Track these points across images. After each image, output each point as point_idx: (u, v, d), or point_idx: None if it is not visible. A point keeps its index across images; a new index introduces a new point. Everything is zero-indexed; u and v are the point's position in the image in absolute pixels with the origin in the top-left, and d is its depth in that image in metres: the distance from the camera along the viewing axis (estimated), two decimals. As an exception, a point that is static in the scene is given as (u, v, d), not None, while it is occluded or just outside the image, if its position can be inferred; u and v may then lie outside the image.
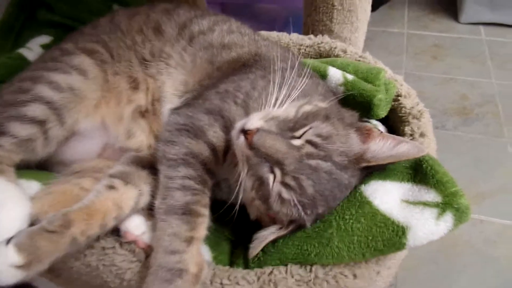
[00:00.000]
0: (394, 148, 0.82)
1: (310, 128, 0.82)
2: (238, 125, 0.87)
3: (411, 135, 1.05)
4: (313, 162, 0.78)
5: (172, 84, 1.11)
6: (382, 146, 0.84)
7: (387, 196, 0.85)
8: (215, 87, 1.00)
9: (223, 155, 0.93)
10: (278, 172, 0.80)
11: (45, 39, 1.40)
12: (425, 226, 0.78)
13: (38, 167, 1.11)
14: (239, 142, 0.81)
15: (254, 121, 0.81)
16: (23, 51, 1.38)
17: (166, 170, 0.87)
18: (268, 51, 1.14)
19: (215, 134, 0.92)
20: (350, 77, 1.13)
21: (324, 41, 1.37)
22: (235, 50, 1.14)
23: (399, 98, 1.15)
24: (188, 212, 0.81)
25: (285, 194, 0.79)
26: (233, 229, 1.08)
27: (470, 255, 1.75)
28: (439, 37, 3.32)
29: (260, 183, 0.82)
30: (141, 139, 1.10)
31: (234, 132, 0.87)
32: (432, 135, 1.10)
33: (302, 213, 0.81)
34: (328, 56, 1.36)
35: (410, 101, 1.13)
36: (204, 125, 0.92)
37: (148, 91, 1.12)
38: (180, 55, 1.14)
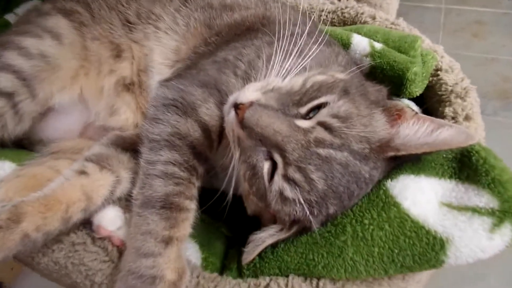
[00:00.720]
0: (433, 134, 0.64)
1: (323, 104, 0.66)
2: (231, 98, 0.70)
3: (453, 118, 0.85)
4: (323, 151, 0.64)
5: (161, 51, 0.94)
6: (417, 130, 0.66)
7: (422, 197, 0.65)
8: (213, 55, 0.87)
9: (218, 136, 0.80)
10: (279, 161, 0.65)
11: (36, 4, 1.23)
12: (473, 240, 0.58)
13: (19, 146, 0.98)
14: (229, 118, 0.68)
15: (248, 93, 0.66)
16: (9, 17, 1.24)
17: (147, 153, 0.75)
18: (279, 14, 0.94)
19: (208, 111, 0.78)
20: (378, 46, 0.97)
21: (349, 5, 1.20)
22: (238, 12, 0.96)
23: (439, 72, 0.96)
24: (168, 206, 0.68)
25: (288, 192, 0.65)
26: (231, 223, 0.93)
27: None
28: (481, 13, 3.00)
29: (253, 174, 0.68)
30: (126, 116, 0.95)
31: (226, 107, 0.70)
32: (479, 119, 0.87)
33: (308, 213, 0.65)
34: (353, 23, 1.21)
35: (453, 76, 0.91)
36: (196, 100, 0.79)
37: (133, 60, 0.95)
38: (172, 17, 0.96)
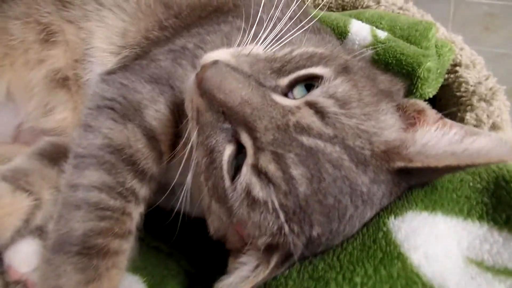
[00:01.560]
0: (464, 142, 0.47)
1: (314, 77, 0.52)
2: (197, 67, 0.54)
3: (475, 126, 0.63)
4: (307, 140, 0.48)
5: (104, 35, 0.76)
6: (440, 138, 0.49)
7: (438, 247, 0.45)
8: (169, 42, 0.72)
9: (171, 147, 0.64)
10: (248, 144, 0.49)
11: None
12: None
13: None
14: (189, 83, 0.53)
15: (215, 54, 0.52)
16: None
17: (70, 173, 0.59)
18: None
19: (157, 115, 0.63)
20: (382, 35, 0.82)
21: (349, -13, 0.96)
22: None
23: (458, 68, 0.81)
24: (86, 252, 0.52)
25: (259, 190, 0.48)
26: (194, 254, 0.75)
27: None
28: (493, 5, 2.80)
29: (211, 161, 0.52)
30: (62, 116, 0.77)
31: (189, 78, 0.55)
32: (510, 129, 0.66)
33: (286, 228, 0.47)
34: (354, 8, 1.04)
35: (475, 73, 0.74)
36: (142, 100, 0.64)
37: (67, 47, 0.76)
38: None
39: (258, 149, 0.48)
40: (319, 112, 0.48)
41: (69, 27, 0.74)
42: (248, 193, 0.48)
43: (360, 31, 0.82)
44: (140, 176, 0.59)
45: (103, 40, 0.74)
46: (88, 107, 0.65)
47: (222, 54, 0.52)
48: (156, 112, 0.62)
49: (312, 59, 0.54)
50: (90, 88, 0.72)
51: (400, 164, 0.49)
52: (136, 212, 0.58)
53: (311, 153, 0.47)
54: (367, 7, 0.99)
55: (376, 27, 0.84)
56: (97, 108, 0.63)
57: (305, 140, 0.47)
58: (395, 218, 0.49)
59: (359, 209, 0.50)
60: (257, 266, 0.53)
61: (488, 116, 0.69)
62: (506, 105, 0.71)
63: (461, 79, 0.78)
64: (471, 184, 0.49)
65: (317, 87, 0.51)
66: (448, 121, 0.50)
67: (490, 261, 0.42)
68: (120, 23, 0.76)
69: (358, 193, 0.49)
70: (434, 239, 0.46)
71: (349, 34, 0.83)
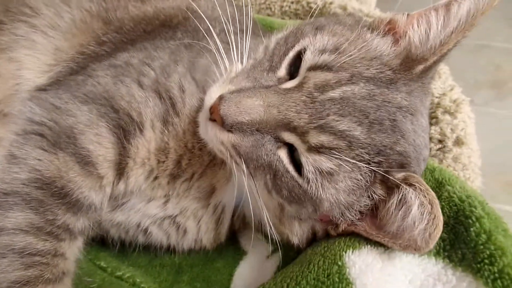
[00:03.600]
0: (451, 17, 0.51)
1: (300, 52, 0.53)
2: (201, 114, 0.54)
3: (440, 141, 0.60)
4: (334, 93, 0.49)
5: (35, 64, 0.68)
6: (429, 26, 0.52)
7: (389, 286, 0.41)
8: (110, 57, 0.66)
9: (119, 174, 0.58)
10: (292, 138, 0.50)
11: None
12: None
13: None
14: (210, 133, 0.52)
15: (211, 94, 0.52)
16: None
17: None
18: (208, 8, 0.70)
19: (97, 138, 0.56)
20: None
21: (315, -7, 0.92)
22: (151, 3, 0.73)
23: None
24: None
25: (326, 162, 0.48)
26: None
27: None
28: None
29: (275, 174, 0.51)
30: None
31: (201, 129, 0.54)
32: (475, 144, 0.63)
33: (374, 165, 0.48)
34: (321, 15, 1.00)
35: (440, 83, 0.70)
36: (76, 125, 0.57)
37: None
38: (55, 10, 0.70)
39: (303, 134, 0.48)
40: (324, 67, 0.50)
41: None
42: (320, 172, 0.48)
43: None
44: (74, 208, 0.54)
45: (33, 71, 0.68)
46: (14, 132, 0.57)
47: (218, 89, 0.52)
48: (95, 135, 0.56)
49: (288, 41, 0.55)
50: (16, 106, 0.64)
51: (420, 66, 0.52)
52: (72, 249, 0.54)
53: (344, 102, 0.48)
54: (334, 14, 0.95)
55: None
56: (24, 133, 0.56)
57: (332, 94, 0.48)
58: (352, 252, 0.47)
59: (414, 122, 0.51)
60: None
61: (452, 130, 0.65)
62: (471, 117, 0.68)
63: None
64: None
65: (305, 50, 0.52)
66: (418, 12, 0.53)
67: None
68: (51, 44, 0.69)
69: (404, 108, 0.50)
70: (386, 277, 0.43)
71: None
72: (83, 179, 0.54)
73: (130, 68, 0.62)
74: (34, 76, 0.67)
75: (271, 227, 0.53)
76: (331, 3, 0.96)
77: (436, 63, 0.53)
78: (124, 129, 0.56)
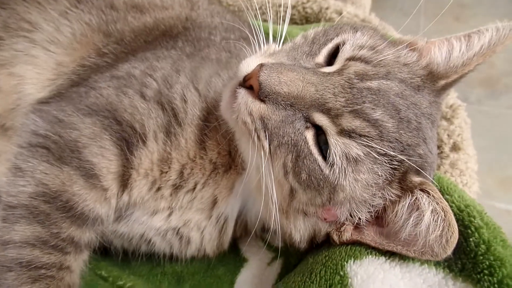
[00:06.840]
0: (473, 44, 0.56)
1: (339, 45, 0.55)
2: (230, 85, 0.53)
3: (437, 147, 0.59)
4: (372, 83, 0.50)
5: (36, 78, 0.67)
6: (451, 50, 0.57)
7: None
8: (112, 68, 0.65)
9: (123, 186, 0.57)
10: (324, 121, 0.49)
11: None
12: None
13: None
14: (241, 101, 0.50)
15: (249, 62, 0.51)
16: None
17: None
18: (207, 17, 0.69)
19: (101, 151, 0.56)
20: None
21: (311, -1, 0.91)
22: (151, 14, 0.72)
23: None
24: None
25: (356, 147, 0.48)
26: None
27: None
28: None
29: (297, 155, 0.50)
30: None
31: (224, 103, 0.53)
32: (471, 149, 0.64)
33: (398, 159, 0.49)
34: (317, 20, 1.00)
35: None
36: (79, 138, 0.56)
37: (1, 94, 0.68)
38: (54, 25, 0.69)
39: (336, 116, 0.49)
40: (362, 59, 0.52)
41: None
42: (347, 157, 0.48)
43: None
44: (79, 221, 0.54)
45: (35, 85, 0.67)
46: (18, 145, 0.56)
47: (256, 59, 0.52)
48: (99, 148, 0.55)
49: (328, 34, 0.57)
50: (18, 120, 0.64)
51: (442, 82, 0.56)
52: (77, 263, 0.54)
53: (380, 94, 0.50)
54: (330, 19, 0.95)
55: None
56: (29, 146, 0.56)
57: (370, 83, 0.50)
58: (353, 262, 0.47)
59: (432, 130, 0.54)
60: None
61: (449, 135, 0.66)
62: (467, 122, 0.68)
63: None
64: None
65: (345, 43, 0.54)
66: (441, 39, 0.57)
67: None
68: (52, 59, 0.68)
69: (427, 115, 0.53)
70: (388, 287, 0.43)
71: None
72: (88, 192, 0.54)
73: (132, 79, 0.61)
74: (35, 91, 0.66)
75: (276, 223, 0.51)
76: (327, 8, 0.96)
77: (456, 81, 0.56)
78: (127, 141, 0.56)
